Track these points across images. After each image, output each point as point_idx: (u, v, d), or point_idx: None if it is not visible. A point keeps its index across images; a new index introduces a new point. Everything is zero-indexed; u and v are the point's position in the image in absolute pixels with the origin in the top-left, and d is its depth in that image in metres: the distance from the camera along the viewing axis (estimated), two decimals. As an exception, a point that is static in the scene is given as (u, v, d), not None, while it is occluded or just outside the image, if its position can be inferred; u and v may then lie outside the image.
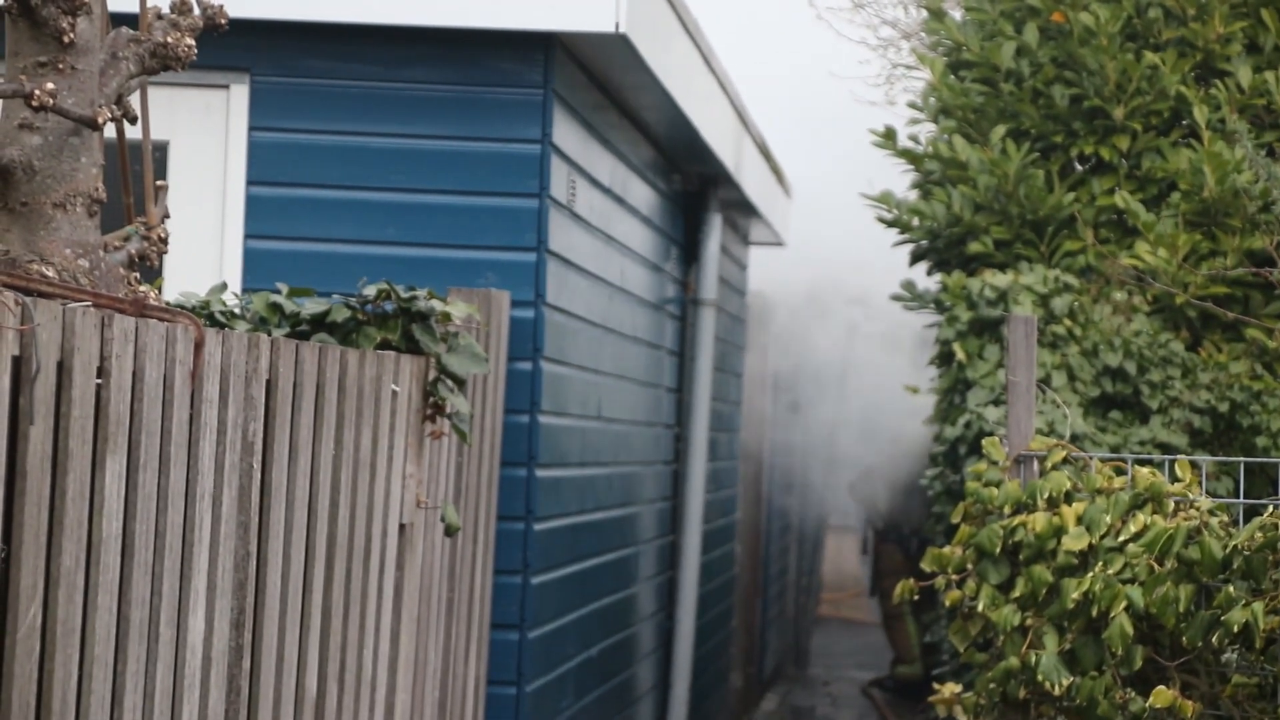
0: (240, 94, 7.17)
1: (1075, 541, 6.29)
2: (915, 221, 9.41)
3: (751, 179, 11.10)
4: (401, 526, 5.68)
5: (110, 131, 4.75)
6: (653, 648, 10.15)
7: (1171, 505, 6.31)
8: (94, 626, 3.87)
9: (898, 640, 15.87)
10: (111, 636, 3.94)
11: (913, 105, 9.77)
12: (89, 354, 3.81)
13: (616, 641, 9.08)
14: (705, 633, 11.60)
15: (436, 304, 5.70)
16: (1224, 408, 8.40)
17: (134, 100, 4.72)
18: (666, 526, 10.40)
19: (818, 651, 19.11)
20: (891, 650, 16.08)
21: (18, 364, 3.61)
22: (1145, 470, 6.40)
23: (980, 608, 6.44)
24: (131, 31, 4.60)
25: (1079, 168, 9.38)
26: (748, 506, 14.60)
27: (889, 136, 9.64)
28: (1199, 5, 9.15)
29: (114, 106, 4.53)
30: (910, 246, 9.74)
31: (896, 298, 9.71)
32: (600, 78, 7.91)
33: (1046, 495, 6.40)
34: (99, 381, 3.85)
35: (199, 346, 4.24)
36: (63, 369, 3.74)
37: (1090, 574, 6.21)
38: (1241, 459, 6.77)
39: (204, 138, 7.18)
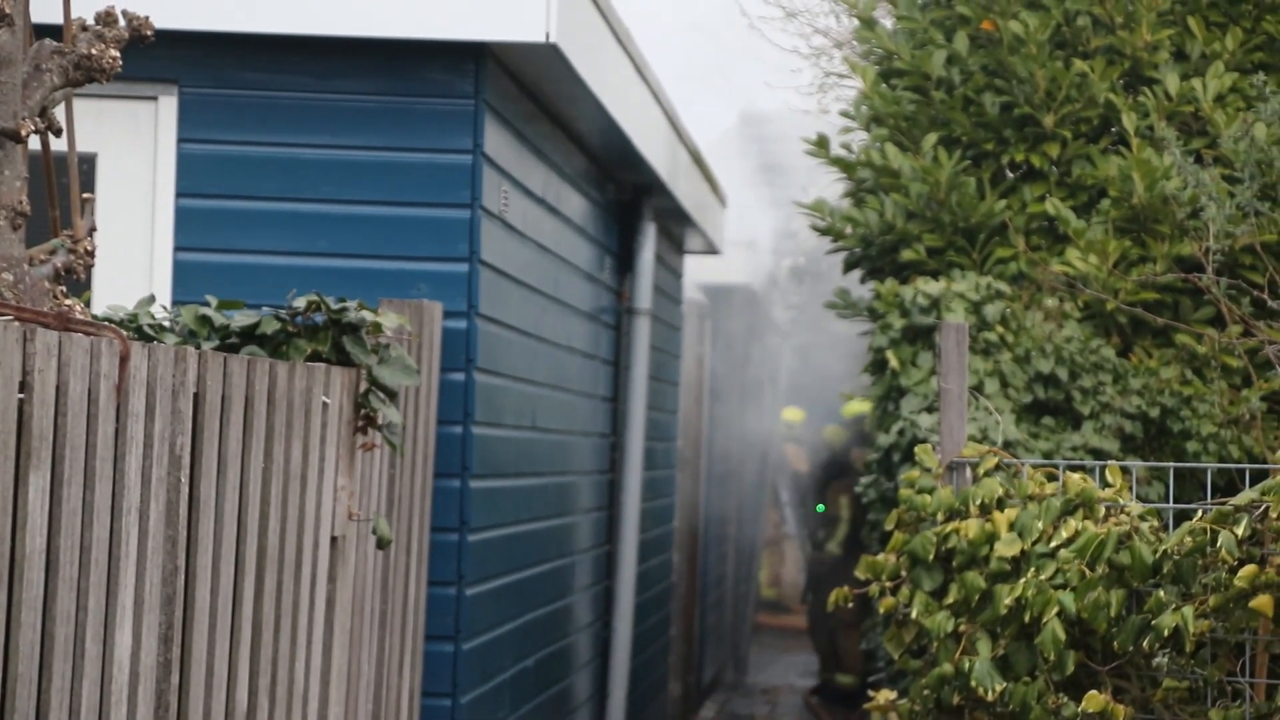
0: (169, 105, 7.14)
1: (1007, 548, 6.32)
2: (848, 229, 9.44)
3: (685, 188, 11.11)
4: (333, 539, 5.66)
5: (35, 144, 4.73)
6: (590, 657, 10.14)
7: (1103, 511, 6.34)
8: (17, 643, 3.84)
9: (849, 649, 15.88)
10: (36, 653, 3.92)
11: (845, 114, 9.79)
12: (11, 368, 3.78)
13: (553, 651, 9.07)
14: (643, 641, 11.60)
15: (367, 315, 5.68)
16: (1155, 413, 8.44)
17: (59, 112, 4.69)
18: (603, 536, 10.40)
19: (756, 660, 19.13)
20: (838, 659, 16.07)
21: (-61, 379, 3.59)
22: (1077, 476, 6.43)
23: (914, 614, 6.46)
24: (55, 43, 4.58)
25: (1010, 175, 9.42)
26: (685, 515, 14.61)
27: (822, 144, 9.67)
28: (1127, 13, 9.20)
29: (38, 119, 4.51)
30: (844, 254, 9.76)
31: (830, 305, 9.74)
32: (532, 88, 7.91)
33: (979, 502, 6.43)
34: (21, 396, 3.83)
35: (124, 360, 4.22)
36: (-15, 384, 3.72)
37: (1022, 580, 6.24)
38: (1171, 464, 6.80)
39: (132, 150, 7.14)
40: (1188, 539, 5.98)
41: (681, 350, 13.36)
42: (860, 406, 16.46)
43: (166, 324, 5.55)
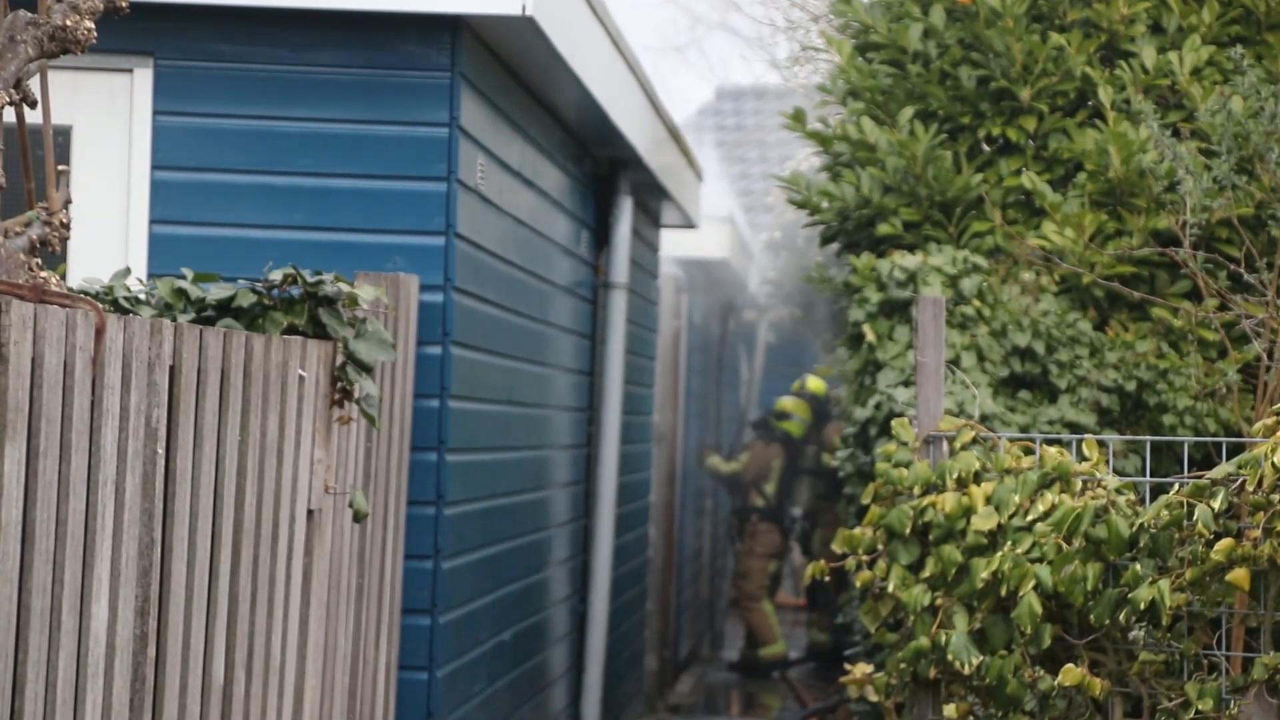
0: (144, 78, 7.11)
1: (984, 521, 6.33)
2: (825, 203, 9.43)
3: (662, 162, 11.10)
4: (310, 512, 5.65)
5: (10, 116, 4.71)
6: (566, 631, 10.14)
7: (1079, 484, 6.35)
8: (-6, 616, 3.83)
9: (757, 622, 16.01)
10: (12, 625, 3.90)
11: (821, 88, 9.78)
12: (-13, 340, 3.77)
13: (529, 625, 9.07)
14: (619, 616, 11.61)
15: (344, 288, 5.67)
16: (1131, 386, 8.45)
17: (34, 84, 4.67)
18: (579, 510, 10.39)
19: (732, 634, 19.16)
20: (752, 632, 16.18)
21: (-86, 351, 3.57)
22: (1053, 450, 6.43)
23: (891, 588, 6.47)
24: (29, 14, 4.55)
25: (986, 149, 9.41)
26: (661, 489, 14.61)
27: (798, 118, 9.65)
28: (1104, -14, 9.20)
29: (12, 90, 4.49)
30: (820, 228, 9.75)
31: (807, 280, 9.73)
32: (509, 61, 7.89)
33: (955, 475, 6.43)
34: (-3, 368, 3.81)
35: (100, 332, 4.20)
36: (-40, 356, 3.70)
37: (999, 553, 6.25)
38: (1148, 437, 6.82)
39: (108, 122, 7.12)
40: (1164, 512, 5.99)
41: (658, 324, 13.36)
42: (819, 384, 16.46)
43: (142, 297, 5.53)
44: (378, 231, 7.11)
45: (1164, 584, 5.91)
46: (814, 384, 16.32)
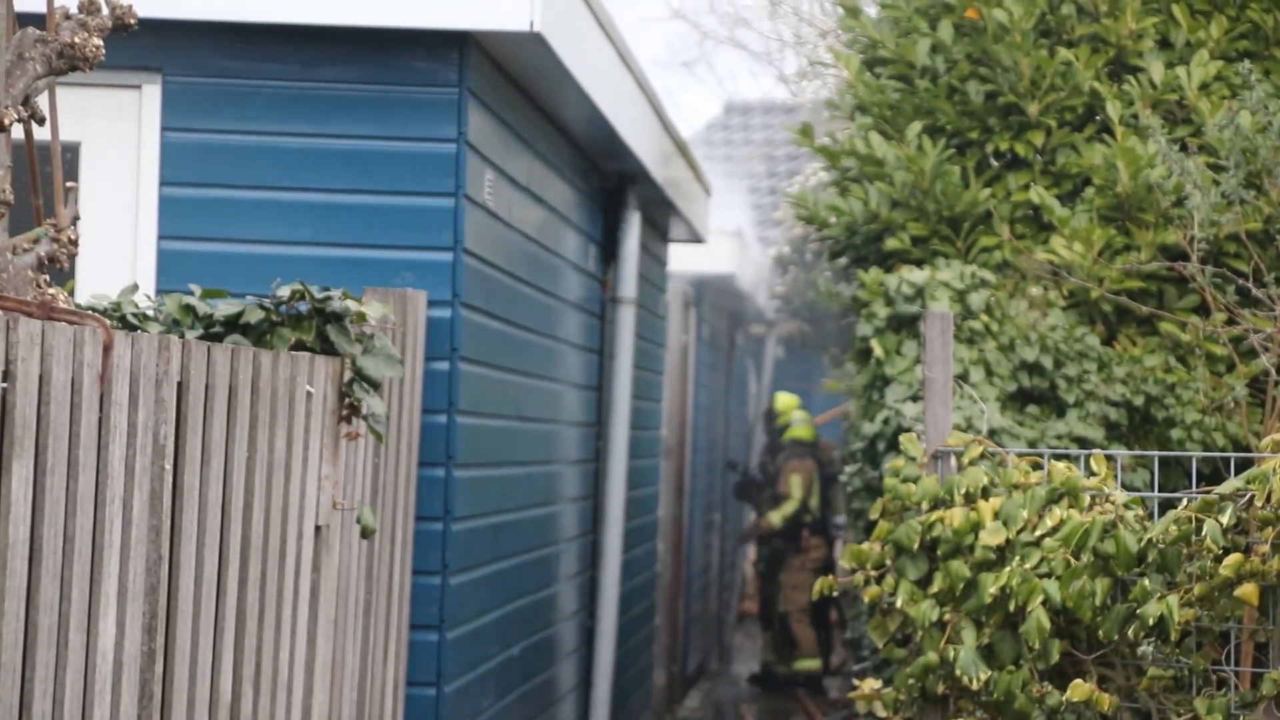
0: (152, 94, 7.12)
1: (992, 536, 6.32)
2: (833, 218, 9.43)
3: (670, 177, 11.11)
4: (318, 528, 5.65)
5: (18, 133, 4.72)
6: (574, 646, 10.14)
7: (1087, 499, 6.34)
8: (1, 633, 3.83)
9: (803, 635, 15.92)
10: (19, 643, 3.91)
11: (830, 103, 9.78)
12: (-6, 358, 3.77)
13: (537, 641, 9.07)
14: (627, 631, 11.60)
15: (351, 304, 5.67)
16: (1139, 401, 8.44)
17: (42, 101, 4.68)
18: (588, 525, 10.39)
19: (741, 648, 19.14)
20: (796, 644, 16.06)
21: (-79, 368, 3.58)
22: (1061, 465, 6.43)
23: (899, 603, 6.46)
24: (38, 32, 4.57)
25: (994, 164, 9.41)
26: (670, 504, 14.60)
27: (806, 133, 9.66)
28: (1111, 1, 9.20)
29: (21, 107, 4.50)
30: (829, 243, 9.75)
31: (816, 294, 9.74)
32: (517, 76, 7.89)
33: (964, 491, 6.43)
34: (4, 385, 3.81)
35: (107, 349, 4.21)
36: (-33, 373, 3.71)
37: (1007, 569, 6.24)
38: (1156, 452, 6.81)
39: (116, 139, 7.12)
40: (1172, 528, 5.98)
41: (666, 339, 13.36)
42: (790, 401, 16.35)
43: (150, 313, 5.54)
44: (386, 247, 7.11)
45: (1172, 599, 5.90)
46: (798, 429, 16.13)
